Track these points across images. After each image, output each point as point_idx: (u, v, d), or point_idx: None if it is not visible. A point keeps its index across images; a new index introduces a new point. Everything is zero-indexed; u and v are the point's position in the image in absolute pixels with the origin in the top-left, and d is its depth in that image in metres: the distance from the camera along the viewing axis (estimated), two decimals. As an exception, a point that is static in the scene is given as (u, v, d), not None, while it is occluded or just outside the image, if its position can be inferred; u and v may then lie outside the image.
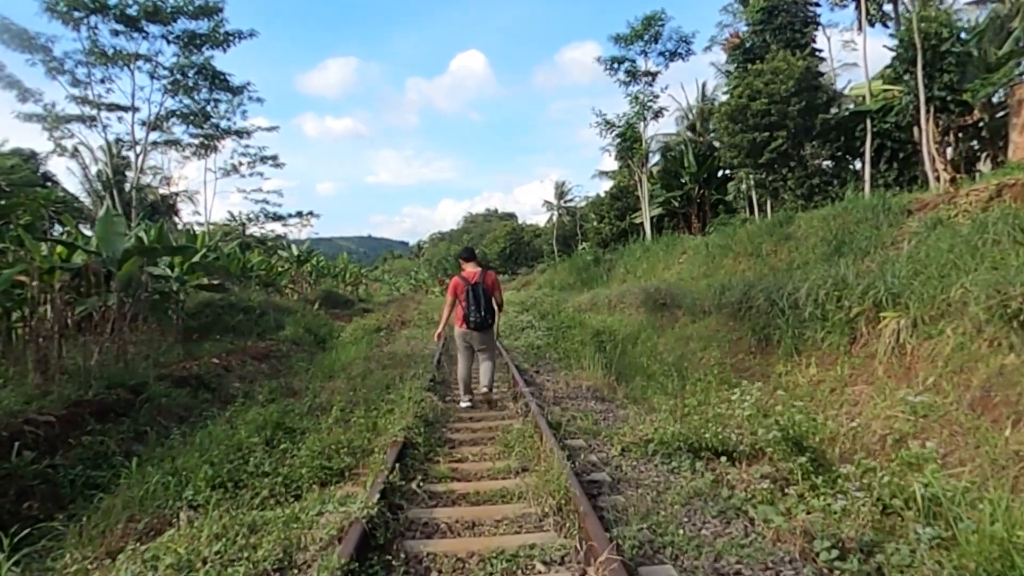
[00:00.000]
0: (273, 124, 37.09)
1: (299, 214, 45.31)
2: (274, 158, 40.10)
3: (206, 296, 19.59)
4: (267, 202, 43.39)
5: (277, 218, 44.22)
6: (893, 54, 20.80)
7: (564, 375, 9.47)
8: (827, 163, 23.94)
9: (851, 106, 23.68)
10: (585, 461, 5.21)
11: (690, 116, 41.72)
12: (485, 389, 7.93)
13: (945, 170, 18.99)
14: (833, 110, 23.38)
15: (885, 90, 22.19)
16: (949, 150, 20.80)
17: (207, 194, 38.66)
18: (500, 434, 6.07)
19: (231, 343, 17.73)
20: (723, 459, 5.03)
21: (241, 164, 39.46)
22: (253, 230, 44.49)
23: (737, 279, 15.61)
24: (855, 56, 33.24)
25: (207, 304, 19.58)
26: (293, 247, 41.91)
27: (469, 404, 7.85)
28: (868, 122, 21.22)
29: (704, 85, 43.00)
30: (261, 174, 40.74)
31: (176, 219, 38.42)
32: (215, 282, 18.84)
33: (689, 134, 39.71)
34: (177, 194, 36.88)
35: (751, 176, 24.79)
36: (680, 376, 9.29)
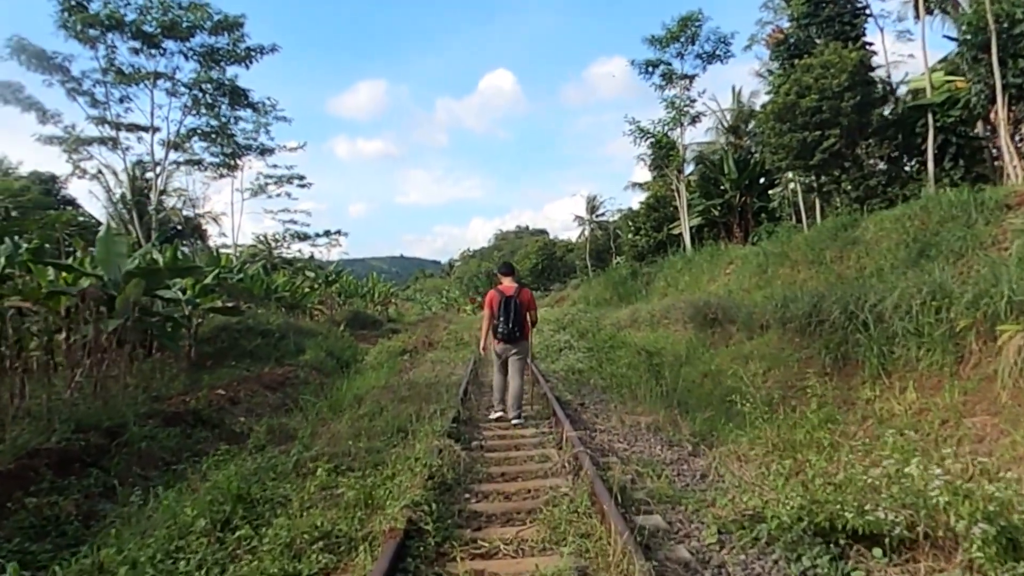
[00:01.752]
0: (299, 143, 36.05)
1: (327, 233, 44.46)
2: (301, 177, 39.34)
3: (222, 320, 18.47)
4: (294, 222, 42.65)
5: (304, 238, 43.39)
6: (955, 43, 19.11)
7: (615, 408, 7.98)
8: (882, 164, 22.14)
9: (909, 100, 21.87)
10: (670, 558, 3.72)
11: (725, 123, 40.10)
12: (512, 417, 7.91)
13: (1018, 164, 17.19)
14: (889, 106, 21.61)
15: (947, 81, 20.40)
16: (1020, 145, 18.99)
17: (233, 215, 38.02)
18: (544, 507, 4.50)
19: (247, 369, 16.63)
20: (875, 551, 3.49)
21: (268, 184, 38.80)
22: (280, 251, 43.69)
23: (799, 290, 13.99)
24: (911, 47, 31.30)
25: (223, 328, 18.47)
26: (317, 267, 41.07)
27: (499, 415, 8.09)
28: (930, 116, 19.45)
29: (740, 91, 41.44)
30: (289, 194, 40.05)
31: (201, 242, 37.71)
32: (230, 305, 17.67)
33: (730, 138, 38.00)
34: (202, 216, 36.12)
35: (801, 179, 23.07)
36: (768, 408, 7.70)
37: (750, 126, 38.95)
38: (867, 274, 12.68)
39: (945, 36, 23.51)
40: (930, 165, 19.42)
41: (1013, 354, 7.35)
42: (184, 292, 16.48)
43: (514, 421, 7.91)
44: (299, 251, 45.01)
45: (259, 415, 11.06)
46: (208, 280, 16.81)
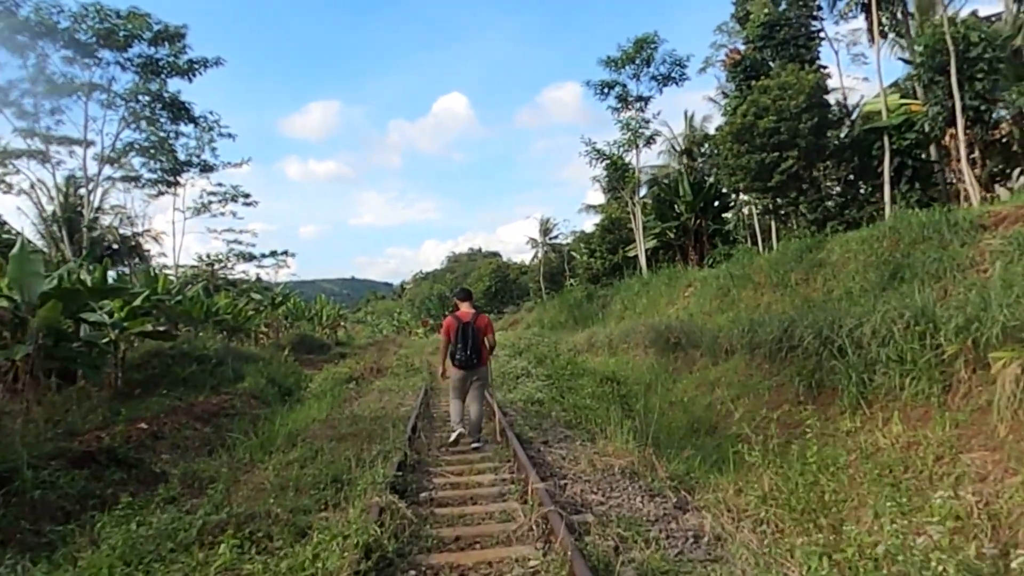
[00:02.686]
0: (244, 159, 34.58)
1: (273, 253, 42.89)
2: (246, 195, 37.84)
3: (153, 345, 17.16)
4: (239, 242, 41.01)
5: (250, 258, 41.76)
6: (910, 66, 19.13)
7: (581, 446, 7.13)
8: (838, 186, 22.04)
9: (862, 123, 21.85)
10: None
11: (677, 147, 40.09)
12: (474, 444, 7.87)
13: (975, 187, 17.12)
14: (845, 129, 21.55)
15: (902, 104, 20.39)
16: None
17: (175, 235, 36.32)
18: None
19: (179, 399, 15.39)
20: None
21: (211, 203, 37.23)
22: (225, 272, 41.98)
23: (764, 313, 13.47)
24: (864, 71, 31.68)
25: (155, 354, 17.14)
26: (263, 289, 39.60)
27: (459, 433, 7.96)
28: (886, 139, 19.37)
29: (692, 115, 41.60)
30: (234, 213, 38.47)
31: (141, 261, 35.87)
32: (161, 329, 16.43)
33: (684, 160, 37.96)
34: (141, 235, 34.36)
35: (759, 202, 22.83)
36: (737, 440, 6.99)
37: (703, 149, 39.06)
38: (835, 297, 12.21)
39: (900, 59, 23.66)
40: (886, 187, 19.31)
41: (1010, 384, 6.78)
42: (111, 315, 15.26)
43: (473, 445, 7.91)
44: (244, 272, 43.35)
45: (185, 451, 9.98)
46: (137, 302, 15.56)
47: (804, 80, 20.12)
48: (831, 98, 22.75)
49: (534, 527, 4.19)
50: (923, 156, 19.98)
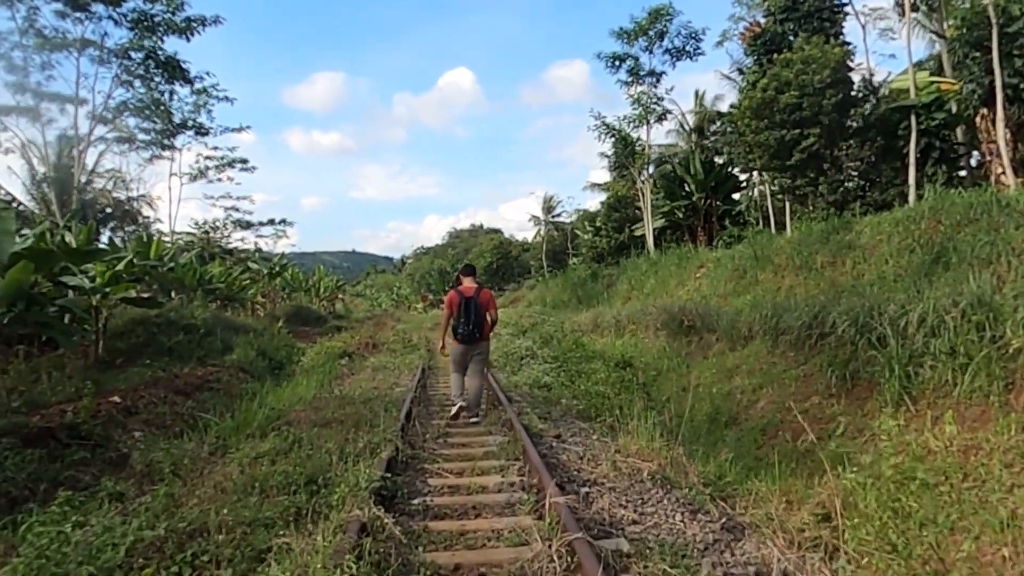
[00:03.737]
0: (243, 125, 33.43)
1: (271, 222, 41.87)
2: (244, 161, 36.77)
3: (138, 313, 16.30)
4: (236, 209, 39.97)
5: (247, 226, 40.75)
6: (941, 40, 18.09)
7: (599, 442, 6.28)
8: (860, 166, 21.02)
9: (887, 101, 20.79)
10: None
11: (687, 126, 38.95)
12: (472, 418, 7.99)
13: (1006, 172, 16.18)
14: (869, 106, 20.50)
15: (932, 82, 19.35)
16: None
17: (171, 201, 35.37)
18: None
19: (162, 369, 14.61)
20: None
21: (208, 169, 36.18)
22: (222, 240, 41.00)
23: (784, 297, 12.61)
24: (893, 47, 30.43)
25: (139, 322, 16.30)
26: (261, 259, 38.65)
27: (460, 406, 8.02)
28: (913, 118, 18.36)
29: (703, 94, 40.40)
30: (231, 179, 37.41)
31: (135, 226, 34.89)
32: (145, 295, 15.55)
33: (695, 139, 36.84)
34: (135, 199, 33.36)
35: (776, 181, 21.83)
36: (762, 433, 6.15)
37: (713, 128, 37.97)
38: (866, 281, 11.32)
39: (933, 32, 22.54)
40: (911, 169, 18.32)
41: (1090, 385, 5.98)
42: (93, 280, 14.40)
43: (471, 419, 8.00)
44: (241, 240, 42.34)
45: (160, 428, 9.16)
46: (120, 267, 14.67)
47: (829, 54, 19.08)
48: (855, 76, 21.75)
49: (555, 558, 3.31)
50: (951, 138, 19.00)
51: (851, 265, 12.16)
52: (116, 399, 10.05)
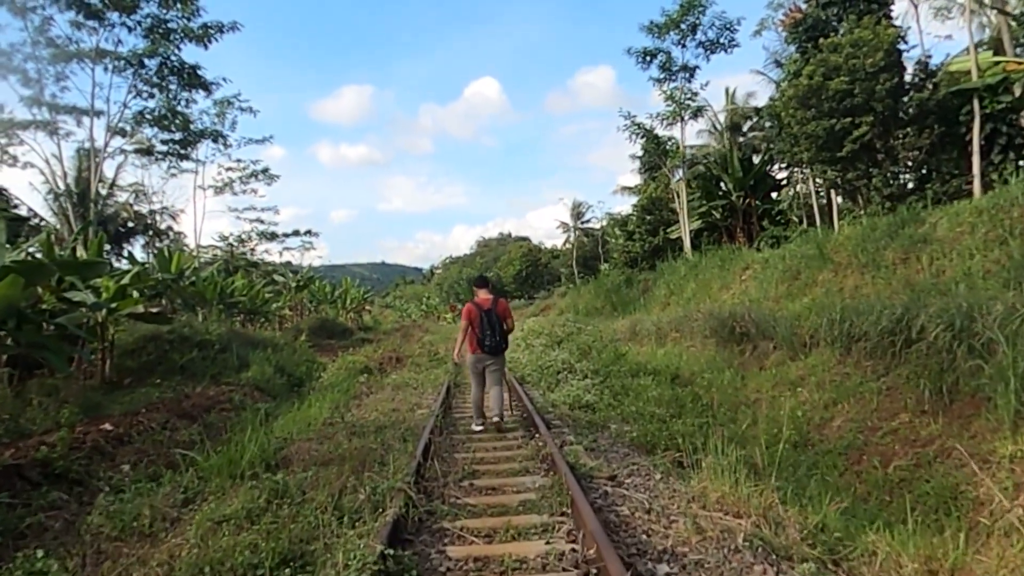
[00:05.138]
0: (266, 136, 32.94)
1: (296, 233, 41.21)
2: (266, 171, 36.21)
3: (149, 329, 15.39)
4: (261, 221, 39.43)
5: (272, 237, 40.13)
6: (1005, 16, 16.56)
7: (664, 484, 4.99)
8: (919, 156, 19.45)
9: (946, 85, 19.23)
10: None
11: (718, 125, 37.45)
12: (496, 418, 8.25)
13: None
14: (926, 91, 18.96)
15: (996, 62, 17.79)
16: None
17: (196, 213, 34.88)
18: None
19: (173, 389, 13.72)
20: None
21: (233, 181, 35.67)
22: (247, 253, 40.43)
23: (854, 300, 11.22)
24: (949, 27, 28.61)
25: (151, 339, 15.37)
26: (289, 272, 37.96)
27: (482, 428, 8.27)
28: (976, 103, 16.86)
29: (734, 91, 38.90)
30: (255, 191, 36.86)
31: (159, 240, 34.36)
32: (154, 311, 14.64)
33: (731, 136, 35.33)
34: (157, 212, 32.82)
35: (825, 175, 20.37)
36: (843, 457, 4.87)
37: (749, 124, 36.49)
38: (948, 279, 9.94)
39: (995, 8, 20.90)
40: (976, 158, 16.81)
41: None
42: (100, 295, 13.53)
43: (494, 419, 8.22)
44: (266, 252, 41.77)
45: (152, 461, 8.10)
46: (126, 280, 13.77)
47: (882, 35, 17.65)
48: (912, 56, 20.29)
49: None
50: (1018, 122, 17.44)
51: (928, 261, 10.77)
52: (107, 426, 9.04)
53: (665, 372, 12.20)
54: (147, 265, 22.53)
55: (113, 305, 13.34)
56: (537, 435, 6.94)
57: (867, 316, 9.24)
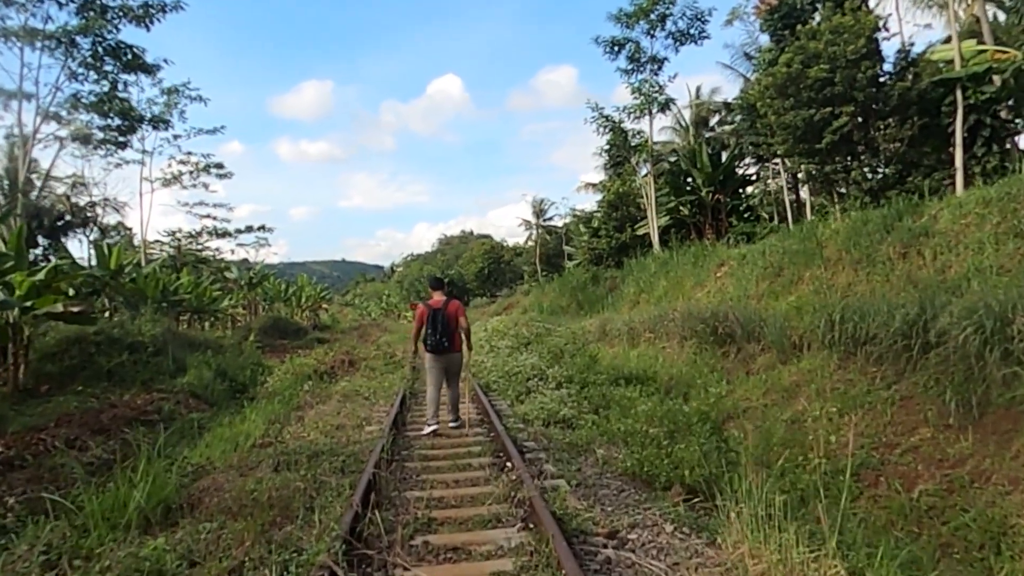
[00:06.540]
0: (217, 126, 31.14)
1: (249, 229, 39.41)
2: (219, 166, 34.40)
3: (73, 330, 13.88)
4: (212, 217, 37.52)
5: (223, 234, 38.28)
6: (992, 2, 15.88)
7: (680, 541, 3.79)
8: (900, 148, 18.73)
9: (928, 74, 18.54)
10: None
11: (683, 121, 36.76)
12: (452, 424, 8.44)
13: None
14: (907, 81, 18.25)
15: (980, 51, 17.14)
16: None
17: (142, 208, 32.87)
18: None
19: (96, 397, 12.32)
20: None
21: (182, 174, 33.75)
22: (195, 248, 38.52)
23: (848, 297, 10.28)
24: (927, 16, 27.93)
25: (75, 341, 13.86)
26: (234, 268, 36.20)
27: (433, 430, 8.06)
28: (959, 93, 16.16)
29: (699, 88, 38.28)
30: (207, 185, 34.96)
31: (101, 234, 32.31)
32: (75, 310, 13.14)
33: (692, 133, 34.66)
34: (97, 204, 30.84)
35: (803, 167, 19.58)
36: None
37: (717, 119, 35.87)
38: (955, 276, 9.04)
39: (979, -5, 20.27)
40: (958, 150, 16.10)
41: None
42: (12, 292, 12.06)
43: (451, 425, 8.42)
44: (218, 250, 39.89)
45: (33, 497, 6.73)
46: (41, 276, 12.28)
47: (864, 20, 16.88)
48: (892, 44, 19.59)
49: None
50: (1003, 114, 16.79)
51: (931, 256, 9.88)
52: (-3, 448, 7.66)
53: (650, 380, 11.12)
54: (80, 260, 20.86)
55: (28, 304, 11.88)
56: (508, 466, 5.72)
57: (874, 316, 8.28)
